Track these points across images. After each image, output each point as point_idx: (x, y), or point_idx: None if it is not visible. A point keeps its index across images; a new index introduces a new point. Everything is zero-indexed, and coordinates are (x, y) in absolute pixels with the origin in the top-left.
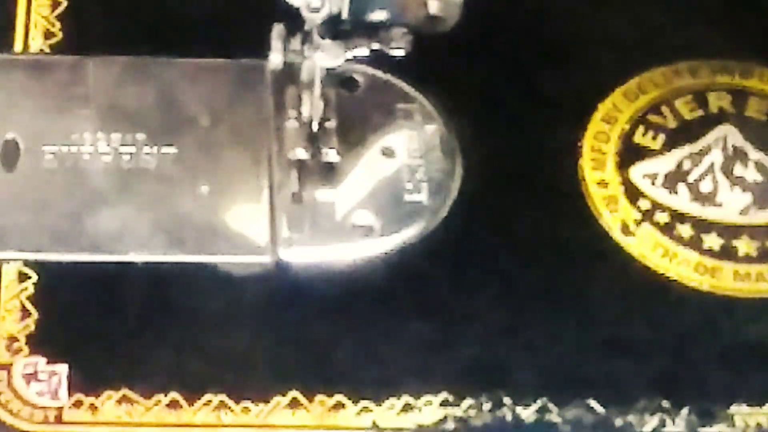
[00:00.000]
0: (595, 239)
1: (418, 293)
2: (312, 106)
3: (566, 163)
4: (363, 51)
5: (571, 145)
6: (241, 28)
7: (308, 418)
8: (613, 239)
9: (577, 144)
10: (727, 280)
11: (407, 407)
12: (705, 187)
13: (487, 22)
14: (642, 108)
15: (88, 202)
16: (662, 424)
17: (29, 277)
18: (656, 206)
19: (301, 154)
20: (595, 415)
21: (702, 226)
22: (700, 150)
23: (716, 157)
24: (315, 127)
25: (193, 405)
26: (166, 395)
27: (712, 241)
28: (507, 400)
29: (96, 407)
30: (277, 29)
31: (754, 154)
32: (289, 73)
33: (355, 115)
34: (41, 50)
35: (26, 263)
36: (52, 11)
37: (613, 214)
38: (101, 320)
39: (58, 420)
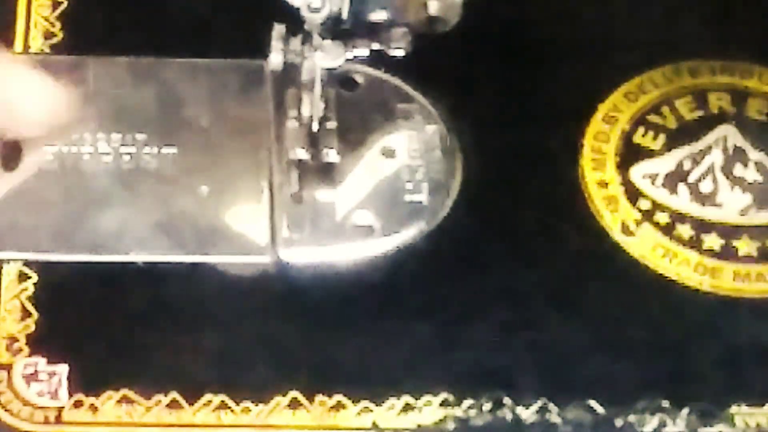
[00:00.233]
0: (595, 239)
1: (418, 293)
2: (312, 106)
3: (566, 163)
4: (363, 51)
5: (571, 145)
6: (241, 28)
7: (308, 419)
8: (613, 239)
9: (577, 144)
10: (727, 280)
11: (407, 407)
12: (705, 187)
13: (487, 22)
14: (642, 108)
15: (88, 202)
16: (662, 424)
17: (29, 277)
18: (656, 206)
19: (301, 154)
20: (595, 415)
21: (702, 226)
22: (701, 150)
23: (716, 157)
24: (315, 127)
25: (193, 405)
26: (166, 395)
27: (712, 241)
28: (507, 400)
29: (96, 407)
30: (278, 29)
31: (754, 155)
32: (290, 74)
33: (355, 115)
34: (41, 50)
35: (26, 263)
36: (52, 11)
37: (613, 215)
38: (101, 320)
39: (58, 420)
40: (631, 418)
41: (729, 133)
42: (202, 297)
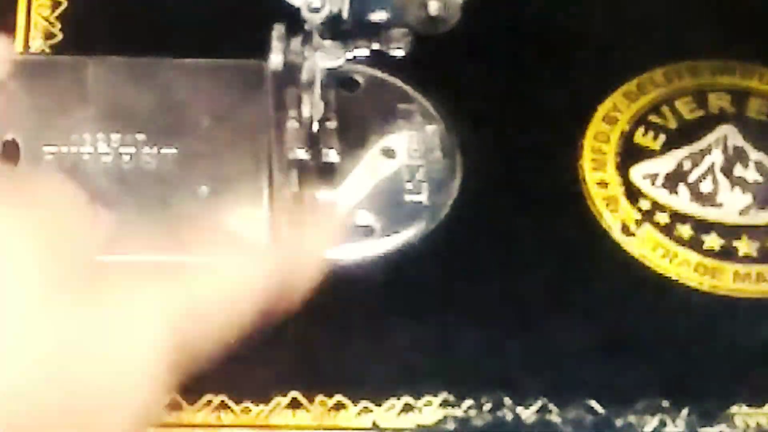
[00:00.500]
0: (595, 239)
1: (418, 293)
2: (312, 106)
3: (566, 163)
4: (363, 51)
5: (571, 145)
6: (241, 28)
7: (308, 419)
8: (613, 239)
9: (577, 144)
10: (727, 280)
11: (407, 407)
12: (705, 187)
13: (487, 22)
14: (642, 108)
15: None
16: (662, 424)
17: None
18: (656, 206)
19: (301, 154)
20: (595, 415)
21: (702, 226)
22: (701, 150)
23: (716, 157)
24: (315, 127)
25: (193, 405)
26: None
27: (712, 241)
28: (507, 400)
29: None
30: (278, 29)
31: (754, 155)
32: (290, 74)
33: (355, 115)
34: (41, 50)
35: None
36: (52, 11)
37: (613, 215)
38: None
39: None
40: (631, 418)
41: (729, 133)
42: None
